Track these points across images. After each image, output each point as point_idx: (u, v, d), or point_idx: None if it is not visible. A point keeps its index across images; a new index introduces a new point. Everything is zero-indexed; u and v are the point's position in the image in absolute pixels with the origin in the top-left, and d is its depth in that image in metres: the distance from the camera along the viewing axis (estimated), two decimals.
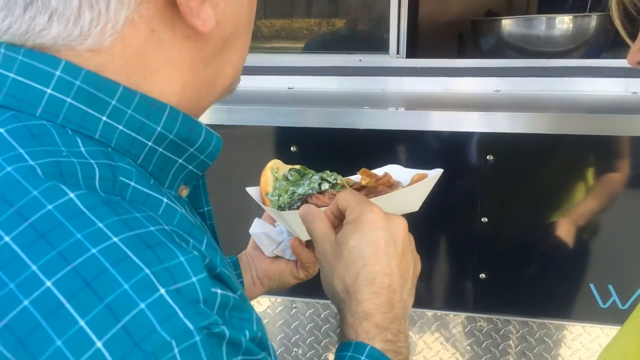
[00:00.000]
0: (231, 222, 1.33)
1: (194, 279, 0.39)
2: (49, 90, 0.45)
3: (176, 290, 0.38)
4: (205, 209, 0.62)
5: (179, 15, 0.48)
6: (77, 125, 0.46)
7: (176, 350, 0.36)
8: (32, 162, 0.41)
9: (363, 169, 0.92)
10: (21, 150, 0.42)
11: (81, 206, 0.39)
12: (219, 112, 1.51)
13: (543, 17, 1.73)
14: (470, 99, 1.64)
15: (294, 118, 1.57)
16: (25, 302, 0.36)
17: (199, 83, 0.53)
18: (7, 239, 0.38)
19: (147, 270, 0.38)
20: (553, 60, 1.61)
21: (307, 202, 0.84)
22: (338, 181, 0.87)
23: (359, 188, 0.88)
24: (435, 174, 0.86)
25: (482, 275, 1.57)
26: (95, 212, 0.39)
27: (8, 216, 0.39)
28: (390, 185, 0.89)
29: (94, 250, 0.37)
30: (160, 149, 0.51)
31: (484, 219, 1.53)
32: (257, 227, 0.92)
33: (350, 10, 2.35)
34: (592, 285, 1.51)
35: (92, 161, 0.44)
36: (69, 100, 0.46)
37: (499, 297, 1.61)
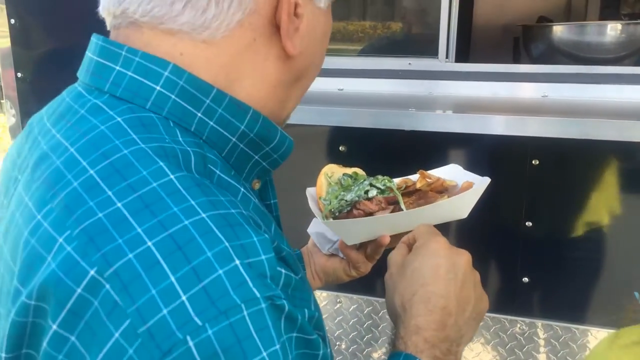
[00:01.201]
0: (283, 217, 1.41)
1: (263, 257, 0.47)
2: (158, 87, 0.55)
3: (248, 264, 0.45)
4: (272, 201, 0.70)
5: (278, 34, 0.58)
6: (177, 119, 0.55)
7: (245, 313, 0.43)
8: (143, 146, 0.51)
9: (421, 170, 0.96)
10: (134, 136, 0.52)
11: (179, 186, 0.48)
12: None
13: (594, 24, 1.74)
14: (517, 104, 1.67)
15: (344, 118, 1.63)
16: (130, 255, 0.44)
17: (274, 101, 0.62)
18: (119, 204, 0.47)
19: (226, 244, 0.45)
20: (603, 67, 1.61)
21: (355, 207, 0.89)
22: (388, 185, 0.91)
23: (411, 191, 0.92)
24: (483, 183, 0.90)
25: (525, 279, 1.59)
26: (190, 192, 0.48)
27: (121, 188, 0.48)
28: (443, 189, 0.93)
29: (186, 222, 0.45)
30: (242, 145, 0.59)
31: (529, 223, 1.55)
32: (315, 227, 0.99)
33: (404, 15, 2.40)
34: (636, 294, 1.51)
35: (188, 149, 0.53)
36: (173, 96, 0.55)
37: (540, 300, 1.62)
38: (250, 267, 0.45)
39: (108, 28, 0.61)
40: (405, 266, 0.73)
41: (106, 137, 0.52)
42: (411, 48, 2.22)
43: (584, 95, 1.62)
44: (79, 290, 0.44)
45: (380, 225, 0.88)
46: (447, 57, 1.78)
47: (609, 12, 3.10)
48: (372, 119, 1.60)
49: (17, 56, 1.96)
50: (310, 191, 0.98)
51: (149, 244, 0.44)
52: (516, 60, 2.36)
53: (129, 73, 0.55)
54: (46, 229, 0.48)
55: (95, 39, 0.60)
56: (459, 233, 1.61)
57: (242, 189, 0.55)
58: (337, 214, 0.90)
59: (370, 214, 0.88)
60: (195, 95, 0.55)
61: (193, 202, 0.47)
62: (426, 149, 1.56)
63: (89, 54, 0.60)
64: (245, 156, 0.60)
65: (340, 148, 1.74)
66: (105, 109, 0.55)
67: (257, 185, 0.65)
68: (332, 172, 0.97)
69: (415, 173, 0.96)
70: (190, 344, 0.42)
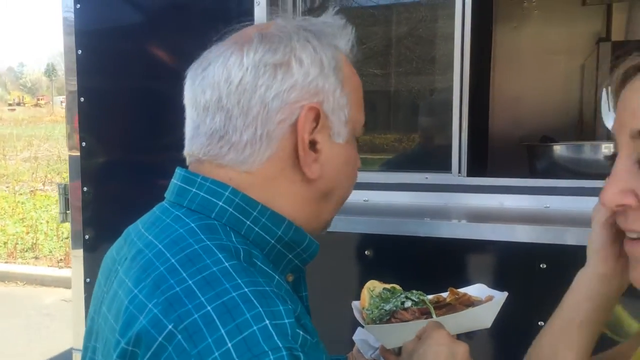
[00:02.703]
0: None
1: (286, 321, 0.66)
2: (220, 203, 0.79)
3: (275, 324, 0.64)
4: (304, 293, 0.91)
5: (299, 163, 0.81)
6: (232, 225, 0.78)
7: (271, 357, 0.61)
8: (208, 243, 0.73)
9: (450, 288, 1.14)
10: (202, 236, 0.74)
11: (231, 270, 0.69)
12: None
13: (588, 144, 1.97)
14: (521, 214, 1.86)
15: (369, 226, 1.84)
16: (195, 316, 0.64)
17: (307, 212, 0.85)
18: (190, 282, 0.68)
19: (260, 309, 0.65)
20: (598, 182, 1.82)
21: (394, 316, 1.06)
22: (421, 298, 1.08)
23: (442, 304, 1.10)
24: (502, 296, 1.08)
25: None
26: (238, 274, 0.68)
27: (192, 271, 0.69)
28: (470, 303, 1.10)
29: (234, 294, 0.66)
30: (279, 246, 0.81)
31: (540, 323, 1.68)
32: (359, 335, 1.16)
33: (421, 134, 2.68)
34: None
35: (239, 246, 0.75)
36: (230, 209, 0.79)
37: None
38: (277, 326, 0.64)
39: (187, 164, 0.87)
40: (412, 353, 0.91)
41: (183, 237, 0.74)
42: (426, 164, 2.47)
43: (583, 207, 1.81)
44: (160, 339, 0.63)
45: (414, 331, 0.99)
46: (459, 172, 2.01)
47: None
48: (393, 227, 1.81)
49: (84, 171, 2.26)
50: (355, 304, 1.16)
51: (209, 308, 0.64)
52: (532, 170, 2.58)
53: (201, 193, 0.80)
54: (140, 299, 0.69)
55: (178, 170, 0.86)
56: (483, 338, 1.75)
57: (277, 277, 0.75)
58: (377, 322, 1.06)
59: (406, 322, 1.04)
60: (246, 209, 0.79)
61: (240, 281, 0.67)
62: (441, 253, 1.75)
63: (174, 181, 0.86)
64: (282, 254, 0.82)
65: (365, 252, 1.94)
66: (184, 218, 0.78)
67: (290, 278, 0.85)
68: (374, 286, 1.14)
69: (445, 289, 1.14)
70: None
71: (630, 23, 3.84)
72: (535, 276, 1.68)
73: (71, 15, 2.22)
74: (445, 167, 2.08)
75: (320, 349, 0.73)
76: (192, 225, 0.76)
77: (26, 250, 7.97)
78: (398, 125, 3.03)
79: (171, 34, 2.21)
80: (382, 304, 1.08)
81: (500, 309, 1.73)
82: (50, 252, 7.87)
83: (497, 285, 1.66)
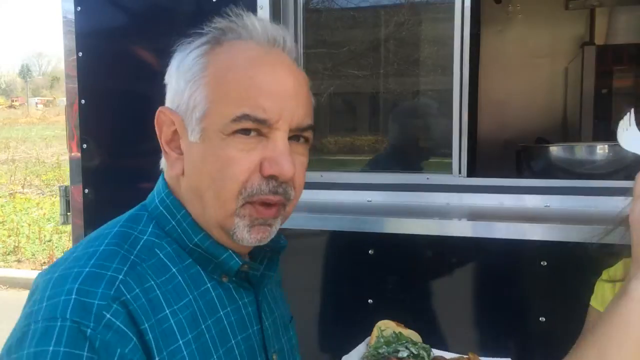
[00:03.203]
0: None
1: (96, 302, 0.71)
2: (156, 201, 0.90)
3: (80, 301, 0.71)
4: (245, 300, 0.91)
5: None
6: (159, 220, 0.87)
7: (58, 324, 0.68)
8: (117, 229, 0.85)
9: (471, 352, 1.16)
10: (122, 223, 0.86)
11: (94, 253, 0.79)
12: (315, 220, 1.84)
13: (584, 145, 2.03)
14: (523, 213, 1.92)
15: (372, 225, 1.87)
16: (39, 280, 0.79)
17: (195, 214, 0.87)
18: (68, 255, 0.82)
19: (75, 286, 0.72)
20: (595, 181, 1.88)
21: None
22: (422, 353, 1.06)
23: None
24: None
25: None
26: (95, 256, 0.78)
27: (80, 249, 0.82)
28: None
29: (69, 271, 0.76)
30: (199, 250, 0.86)
31: (542, 318, 1.74)
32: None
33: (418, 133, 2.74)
34: None
35: (145, 237, 0.84)
36: (161, 208, 0.88)
37: None
38: (81, 303, 0.71)
39: None
40: None
41: (110, 223, 0.88)
42: (425, 164, 2.53)
43: (581, 205, 1.88)
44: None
45: None
46: (460, 173, 2.06)
47: (600, 131, 3.45)
48: (396, 226, 1.85)
49: (85, 173, 2.26)
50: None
51: (48, 277, 0.77)
52: (520, 172, 2.65)
53: (154, 188, 0.93)
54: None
55: None
56: (487, 330, 1.80)
57: (175, 270, 0.83)
58: None
59: None
60: (172, 211, 0.88)
61: (89, 262, 0.77)
62: (443, 251, 1.79)
63: None
64: (206, 258, 0.86)
65: (369, 252, 1.98)
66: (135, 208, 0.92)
67: (225, 279, 0.88)
68: (387, 326, 1.14)
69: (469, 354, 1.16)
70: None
71: (611, 27, 3.95)
72: (536, 273, 1.73)
73: (72, 18, 2.22)
74: (446, 167, 2.13)
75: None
76: (128, 213, 0.89)
77: (8, 254, 7.86)
78: (384, 127, 3.09)
79: (170, 37, 2.23)
80: (384, 347, 1.09)
81: (502, 305, 1.79)
82: (33, 255, 7.77)
83: (500, 283, 1.73)
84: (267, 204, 0.83)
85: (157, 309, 0.77)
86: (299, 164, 0.86)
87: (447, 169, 2.09)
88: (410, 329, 1.14)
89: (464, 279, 1.90)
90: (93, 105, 2.26)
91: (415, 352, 1.05)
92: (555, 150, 2.07)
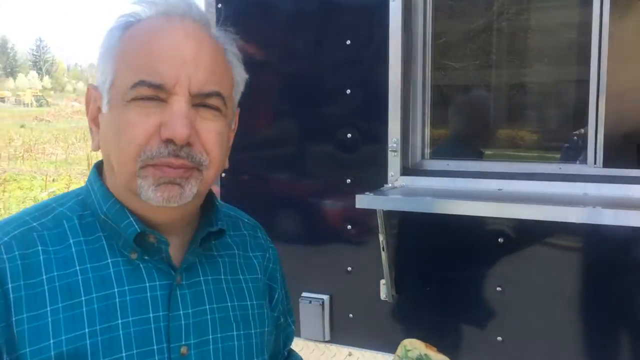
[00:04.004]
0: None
1: None
2: (90, 176, 0.93)
3: None
4: (158, 282, 0.88)
5: None
6: (84, 195, 0.92)
7: None
8: (45, 202, 0.92)
9: None
10: (58, 199, 0.92)
11: (14, 216, 0.89)
12: (448, 204, 1.87)
13: None
14: None
15: (503, 211, 1.86)
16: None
17: (111, 184, 0.90)
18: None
19: None
20: None
21: None
22: None
23: None
24: None
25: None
26: (13, 218, 0.88)
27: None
28: None
29: None
30: (109, 222, 0.87)
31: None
32: None
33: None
34: None
35: (60, 209, 0.89)
36: (87, 183, 0.93)
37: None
38: None
39: None
40: None
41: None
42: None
43: None
44: None
45: None
46: (595, 163, 2.01)
47: None
48: (528, 213, 1.81)
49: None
50: None
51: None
52: None
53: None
54: None
55: None
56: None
57: (73, 241, 0.85)
58: None
59: None
60: (92, 183, 0.91)
61: (6, 220, 0.88)
62: (578, 239, 1.76)
63: None
64: (114, 230, 0.87)
65: (499, 240, 1.98)
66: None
67: (134, 255, 0.86)
68: (413, 346, 1.05)
69: None
70: None
71: None
72: None
73: (213, 12, 2.38)
74: (580, 157, 2.09)
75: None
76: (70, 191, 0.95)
77: None
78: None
79: (309, 27, 2.33)
80: None
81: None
82: None
83: None
84: (169, 166, 0.83)
85: (32, 273, 0.81)
86: (208, 129, 0.85)
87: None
88: (443, 353, 1.05)
89: (607, 270, 1.87)
90: None
91: None
92: None
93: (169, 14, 0.86)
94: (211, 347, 0.90)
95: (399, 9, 2.10)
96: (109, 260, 0.85)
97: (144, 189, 0.82)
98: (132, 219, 0.85)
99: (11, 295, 0.78)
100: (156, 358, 0.84)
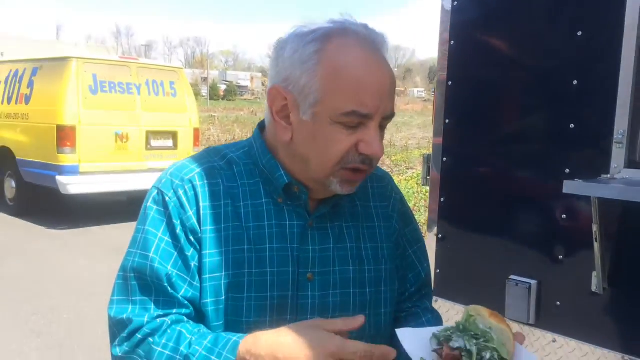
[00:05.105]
0: None
1: (169, 178, 1.14)
2: (252, 141, 1.20)
3: (169, 175, 1.14)
4: (291, 222, 1.13)
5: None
6: (249, 149, 1.19)
7: (153, 190, 1.14)
8: (219, 147, 1.21)
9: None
10: (228, 146, 1.21)
11: (199, 153, 1.20)
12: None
13: None
14: None
15: None
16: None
17: (295, 166, 1.12)
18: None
19: (174, 168, 1.16)
20: None
21: (438, 345, 0.95)
22: (478, 354, 0.90)
23: None
24: None
25: None
26: (199, 155, 1.19)
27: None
28: None
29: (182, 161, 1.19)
30: (266, 171, 1.15)
31: None
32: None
33: None
34: None
35: (232, 154, 1.18)
36: (256, 145, 1.19)
37: None
38: (165, 179, 1.12)
39: None
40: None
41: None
42: None
43: None
44: None
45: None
46: None
47: None
48: None
49: (445, 144, 2.64)
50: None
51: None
52: None
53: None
54: None
55: None
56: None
57: (240, 183, 1.13)
58: (433, 341, 0.96)
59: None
60: (262, 145, 1.16)
61: (194, 156, 1.16)
62: None
63: None
64: (267, 178, 1.13)
65: None
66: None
67: (280, 200, 1.12)
68: (477, 313, 0.97)
69: None
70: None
71: None
72: None
73: (449, 10, 2.61)
74: None
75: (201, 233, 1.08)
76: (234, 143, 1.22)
77: None
78: None
79: (540, 19, 2.41)
80: (458, 333, 0.95)
81: None
82: None
83: None
84: (357, 170, 1.06)
85: (215, 197, 1.09)
86: (382, 141, 1.07)
87: None
88: (506, 324, 0.98)
89: None
90: (459, 88, 2.62)
91: (469, 347, 0.91)
92: None
93: (369, 44, 1.05)
94: (331, 277, 1.14)
95: (637, 1, 2.06)
96: (263, 200, 1.12)
97: (333, 183, 1.07)
98: (282, 172, 1.12)
99: (201, 212, 1.08)
100: (290, 277, 1.10)
